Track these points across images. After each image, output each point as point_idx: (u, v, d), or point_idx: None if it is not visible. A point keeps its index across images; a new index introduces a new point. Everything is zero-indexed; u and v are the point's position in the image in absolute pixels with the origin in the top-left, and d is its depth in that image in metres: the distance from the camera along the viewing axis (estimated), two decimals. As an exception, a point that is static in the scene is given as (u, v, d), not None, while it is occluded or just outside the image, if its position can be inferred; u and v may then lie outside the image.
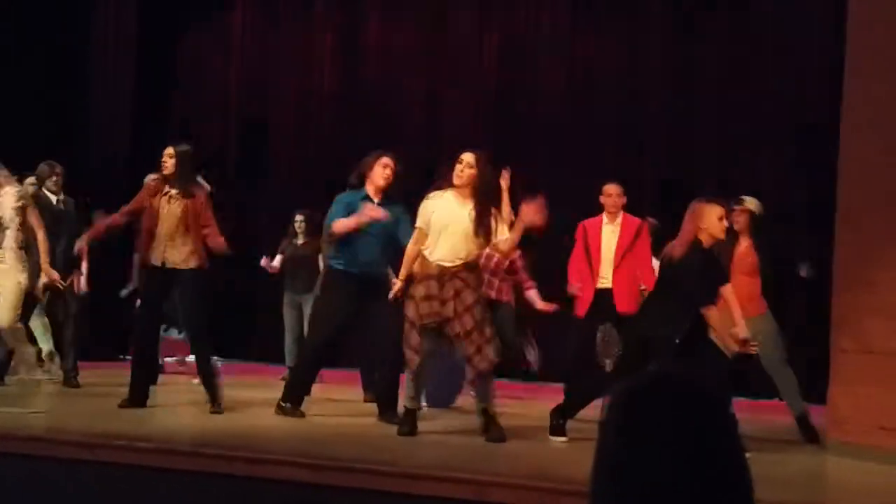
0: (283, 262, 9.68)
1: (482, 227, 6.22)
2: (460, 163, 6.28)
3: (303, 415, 6.91)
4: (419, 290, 6.24)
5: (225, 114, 12.89)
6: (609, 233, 7.52)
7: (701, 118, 10.86)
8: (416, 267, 6.37)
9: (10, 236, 7.11)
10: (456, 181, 6.27)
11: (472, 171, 6.25)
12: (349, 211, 6.93)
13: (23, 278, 7.11)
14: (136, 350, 7.49)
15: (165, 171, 7.09)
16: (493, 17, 11.89)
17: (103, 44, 12.16)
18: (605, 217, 7.58)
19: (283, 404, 6.98)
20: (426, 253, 6.31)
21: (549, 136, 11.27)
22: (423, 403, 6.98)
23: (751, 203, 7.26)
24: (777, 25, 10.50)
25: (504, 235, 6.31)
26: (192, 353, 7.80)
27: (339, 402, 7.90)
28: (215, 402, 6.99)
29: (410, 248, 6.41)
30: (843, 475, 5.83)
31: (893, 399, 6.01)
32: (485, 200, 6.26)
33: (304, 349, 7.46)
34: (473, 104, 11.74)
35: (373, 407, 7.13)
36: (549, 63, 11.47)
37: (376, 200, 6.94)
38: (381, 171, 6.97)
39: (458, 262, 6.24)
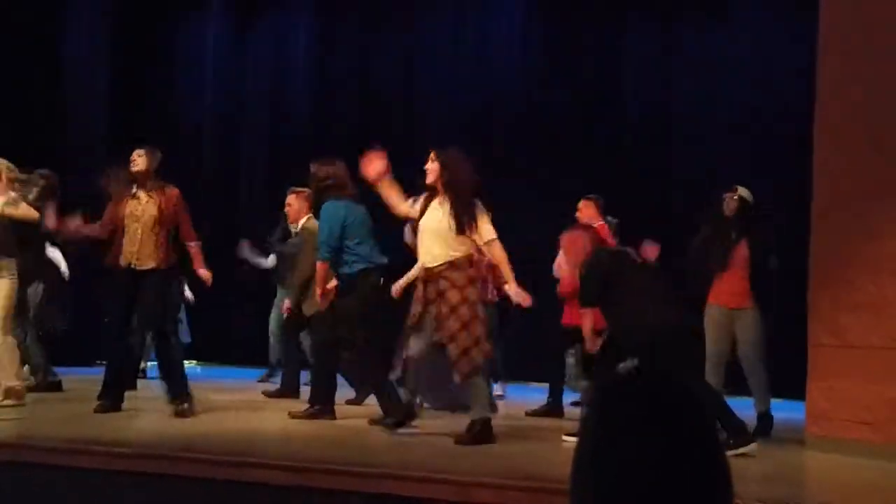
0: (276, 259, 9.51)
1: (458, 223, 6.13)
2: (427, 162, 6.28)
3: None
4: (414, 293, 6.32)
5: (200, 102, 12.84)
6: None
7: (681, 111, 10.92)
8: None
9: None
10: (427, 180, 6.24)
11: (435, 167, 6.19)
12: None
13: (8, 287, 7.09)
14: (110, 354, 7.46)
15: (135, 169, 7.05)
16: (468, 18, 11.93)
17: (77, 29, 12.07)
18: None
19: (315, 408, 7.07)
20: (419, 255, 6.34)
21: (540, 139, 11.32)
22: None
23: (743, 192, 7.32)
24: (755, 25, 10.58)
25: (488, 231, 6.22)
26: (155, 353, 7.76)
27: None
28: (175, 399, 6.98)
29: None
30: (822, 470, 5.86)
31: (872, 393, 6.06)
32: (457, 196, 6.15)
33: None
34: (450, 102, 11.75)
35: (350, 408, 7.14)
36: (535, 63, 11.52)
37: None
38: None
39: (442, 263, 6.16)
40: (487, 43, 11.80)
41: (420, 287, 6.24)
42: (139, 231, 6.97)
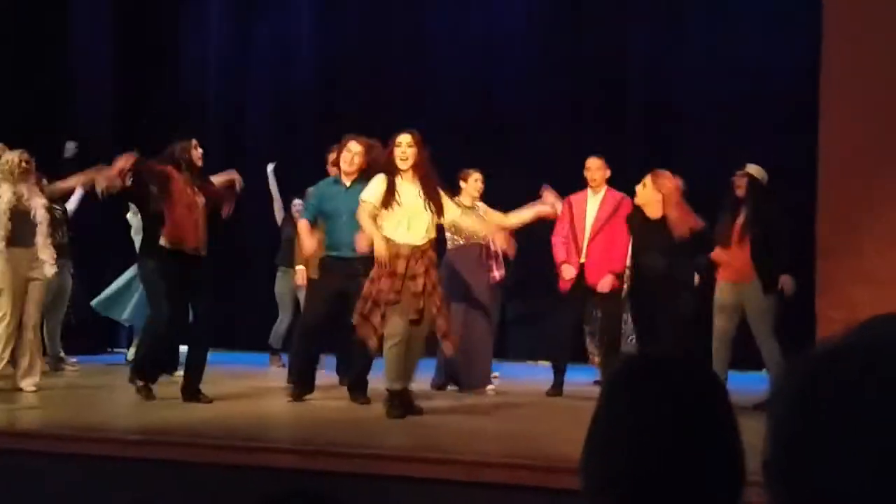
0: (283, 246, 9.50)
1: (434, 205, 6.29)
2: (399, 145, 6.29)
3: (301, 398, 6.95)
4: (382, 270, 6.20)
5: (203, 89, 12.78)
6: (591, 206, 7.61)
7: (690, 84, 10.84)
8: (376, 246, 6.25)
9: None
10: (401, 165, 6.27)
11: (414, 151, 6.26)
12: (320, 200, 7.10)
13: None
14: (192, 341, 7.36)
15: (199, 164, 7.02)
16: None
17: (82, 18, 12.00)
18: (589, 191, 7.67)
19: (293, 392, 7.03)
20: (390, 233, 6.24)
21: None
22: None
23: (752, 169, 7.28)
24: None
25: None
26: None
27: (319, 388, 7.75)
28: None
29: (370, 225, 6.28)
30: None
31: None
32: (430, 179, 6.33)
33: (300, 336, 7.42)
34: (453, 85, 11.69)
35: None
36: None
37: (347, 184, 7.01)
38: (346, 157, 7.03)
39: (426, 242, 6.29)
40: (493, 23, 11.72)
41: (402, 263, 6.16)
42: (197, 218, 6.91)
